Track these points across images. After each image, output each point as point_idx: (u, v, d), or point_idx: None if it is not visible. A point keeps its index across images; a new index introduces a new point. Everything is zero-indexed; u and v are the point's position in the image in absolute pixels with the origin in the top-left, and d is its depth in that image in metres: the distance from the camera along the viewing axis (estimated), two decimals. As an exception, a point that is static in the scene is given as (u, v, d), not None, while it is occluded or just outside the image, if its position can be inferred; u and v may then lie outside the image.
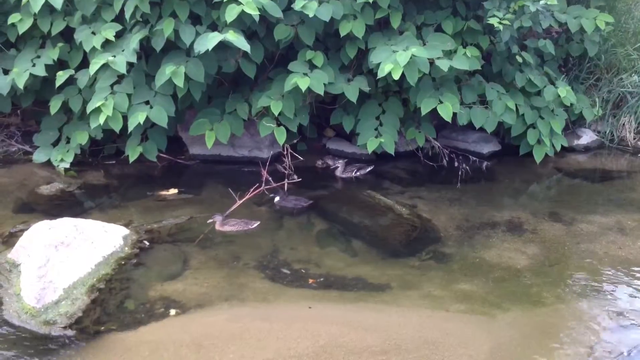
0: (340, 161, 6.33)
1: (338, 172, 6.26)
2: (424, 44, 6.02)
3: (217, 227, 5.09)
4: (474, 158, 6.55)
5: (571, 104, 6.70)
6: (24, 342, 3.77)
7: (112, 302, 4.13)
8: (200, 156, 6.52)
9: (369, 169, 6.32)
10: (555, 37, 7.17)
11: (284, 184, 5.87)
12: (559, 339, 3.93)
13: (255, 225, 5.17)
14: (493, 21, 5.94)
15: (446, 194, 5.91)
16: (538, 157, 6.54)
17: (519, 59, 6.42)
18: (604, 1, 7.29)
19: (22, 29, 5.98)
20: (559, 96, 6.55)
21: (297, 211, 5.50)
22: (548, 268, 4.71)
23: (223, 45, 5.43)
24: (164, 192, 5.75)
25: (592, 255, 4.90)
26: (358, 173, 6.25)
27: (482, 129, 6.44)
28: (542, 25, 6.28)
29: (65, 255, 4.31)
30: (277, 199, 5.60)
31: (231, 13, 5.32)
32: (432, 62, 5.80)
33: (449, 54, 6.01)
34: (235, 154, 6.54)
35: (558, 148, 6.69)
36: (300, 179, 6.01)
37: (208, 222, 5.10)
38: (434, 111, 6.00)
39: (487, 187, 6.21)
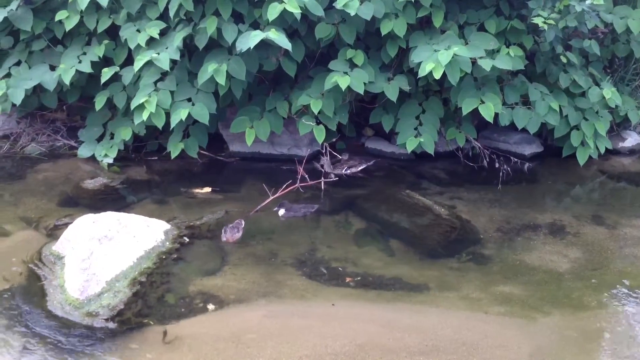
0: (325, 158, 6.25)
1: (326, 168, 6.19)
2: (466, 43, 5.96)
3: (229, 239, 4.89)
4: (516, 159, 6.45)
5: (616, 106, 6.55)
6: (67, 333, 3.86)
7: (153, 296, 4.20)
8: (240, 153, 6.57)
9: (361, 167, 6.25)
10: (601, 38, 7.02)
11: (320, 182, 5.88)
12: (601, 344, 3.87)
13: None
14: (537, 21, 5.84)
15: (486, 195, 5.84)
16: (582, 159, 6.41)
17: (564, 59, 6.31)
18: (651, 1, 7.12)
19: (69, 25, 6.11)
20: (604, 97, 6.41)
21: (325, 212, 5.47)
22: (590, 272, 4.63)
23: (264, 44, 5.46)
24: (197, 190, 5.81)
25: (636, 259, 4.79)
26: (348, 171, 6.20)
27: (524, 130, 6.34)
28: (587, 25, 6.16)
29: (108, 248, 4.40)
30: (282, 211, 5.32)
31: (273, 11, 5.35)
32: (474, 62, 5.74)
33: (491, 54, 5.94)
34: (274, 152, 6.58)
35: (602, 150, 6.54)
36: (337, 178, 6.01)
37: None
38: (475, 111, 5.93)
39: (529, 188, 6.12)
